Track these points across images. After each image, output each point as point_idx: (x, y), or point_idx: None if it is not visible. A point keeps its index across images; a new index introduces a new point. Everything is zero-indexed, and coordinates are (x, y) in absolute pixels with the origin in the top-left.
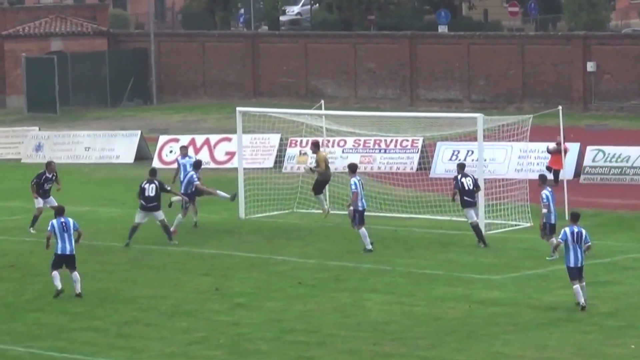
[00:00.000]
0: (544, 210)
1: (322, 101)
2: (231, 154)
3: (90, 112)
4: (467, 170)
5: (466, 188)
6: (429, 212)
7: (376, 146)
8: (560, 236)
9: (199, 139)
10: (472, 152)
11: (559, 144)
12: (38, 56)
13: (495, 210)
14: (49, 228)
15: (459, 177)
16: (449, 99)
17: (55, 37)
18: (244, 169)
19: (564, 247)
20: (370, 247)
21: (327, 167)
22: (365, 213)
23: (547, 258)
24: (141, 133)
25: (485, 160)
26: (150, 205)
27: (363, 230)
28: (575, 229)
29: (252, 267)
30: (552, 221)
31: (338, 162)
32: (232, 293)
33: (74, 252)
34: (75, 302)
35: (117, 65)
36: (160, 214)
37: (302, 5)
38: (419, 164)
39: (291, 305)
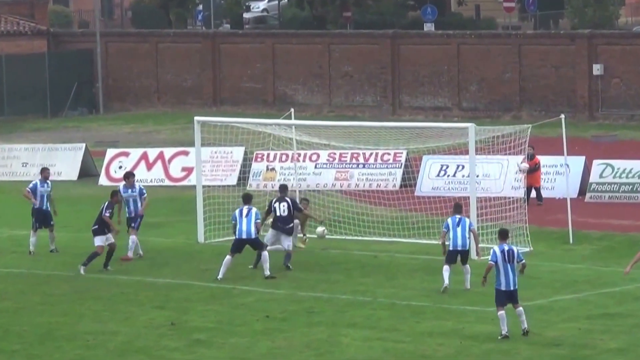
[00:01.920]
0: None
1: (292, 109)
2: (188, 170)
3: (28, 122)
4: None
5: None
6: (413, 235)
7: (353, 160)
8: (490, 257)
9: (152, 152)
10: (463, 167)
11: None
12: None
13: (489, 233)
14: None
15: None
16: (437, 106)
17: None
18: (203, 186)
19: (495, 269)
20: (269, 273)
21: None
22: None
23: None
24: (86, 146)
25: (477, 176)
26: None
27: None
28: (506, 247)
29: (213, 298)
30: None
31: (310, 179)
32: (191, 328)
33: None
34: (12, 338)
35: (59, 69)
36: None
37: (269, 1)
38: (403, 180)
39: (257, 342)
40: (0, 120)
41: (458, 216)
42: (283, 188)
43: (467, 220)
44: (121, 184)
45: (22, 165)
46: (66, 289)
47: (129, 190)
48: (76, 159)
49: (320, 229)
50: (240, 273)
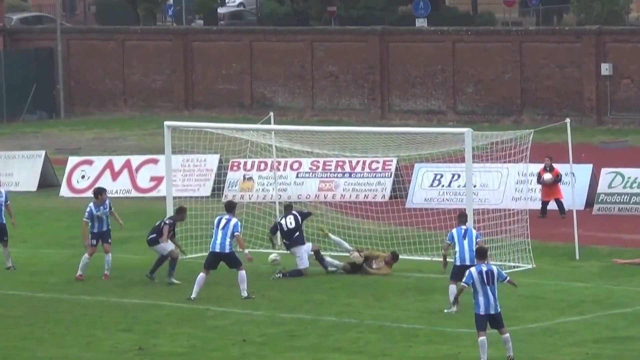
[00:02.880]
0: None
1: (272, 113)
2: (158, 180)
3: None
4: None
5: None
6: (405, 250)
7: (339, 169)
8: (464, 279)
9: (118, 161)
10: (459, 176)
11: (548, 169)
12: None
13: (488, 248)
14: None
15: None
16: (430, 110)
17: None
18: (174, 197)
19: (472, 291)
20: (246, 294)
21: None
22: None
23: (444, 310)
24: (46, 154)
25: (474, 186)
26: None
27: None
28: (484, 268)
29: (185, 320)
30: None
31: (291, 190)
32: (160, 353)
33: None
34: None
35: (15, 70)
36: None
37: None
38: (393, 190)
39: None
40: None
41: (464, 227)
42: (288, 207)
43: (474, 231)
44: (91, 203)
45: None
46: (23, 311)
47: (101, 208)
48: (35, 168)
49: (273, 256)
50: (215, 292)
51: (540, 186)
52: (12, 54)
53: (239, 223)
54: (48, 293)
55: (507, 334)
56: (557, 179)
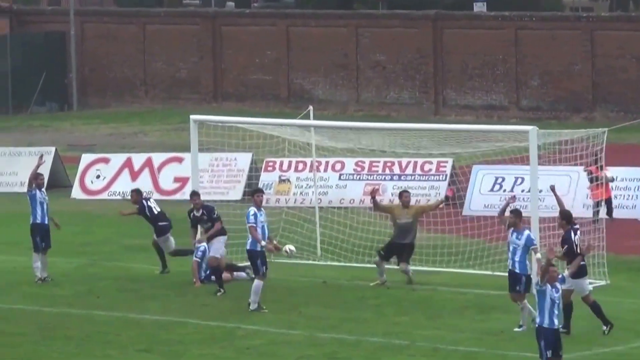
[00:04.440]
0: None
1: (311, 107)
2: (182, 181)
3: None
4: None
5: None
6: (461, 264)
7: (387, 171)
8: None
9: (137, 159)
10: (522, 180)
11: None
12: None
13: (556, 261)
14: None
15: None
16: (490, 105)
17: None
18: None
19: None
20: (256, 307)
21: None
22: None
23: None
24: (56, 150)
25: (540, 191)
26: None
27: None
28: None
29: (212, 340)
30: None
31: (333, 193)
32: None
33: None
34: None
35: (23, 56)
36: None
37: None
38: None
39: None
40: None
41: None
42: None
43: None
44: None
45: None
46: (29, 327)
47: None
48: (43, 166)
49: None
50: (245, 308)
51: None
52: (20, 38)
53: (251, 211)
54: (57, 307)
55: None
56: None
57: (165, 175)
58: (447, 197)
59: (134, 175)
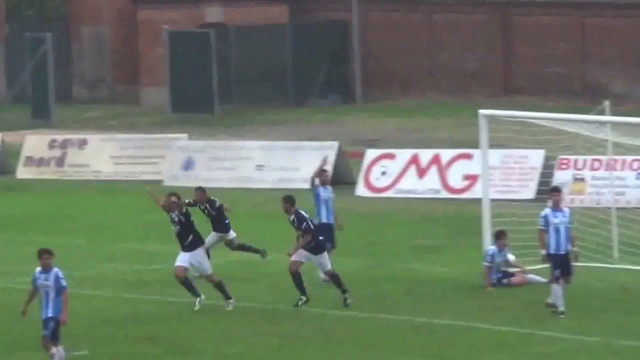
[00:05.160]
0: None
1: (607, 102)
2: (472, 179)
3: (263, 113)
4: None
5: None
6: None
7: None
8: None
9: (425, 155)
10: None
11: None
12: (187, 30)
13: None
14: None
15: None
16: None
17: (211, 3)
18: (491, 200)
19: None
20: (561, 308)
21: None
22: None
23: None
24: (339, 145)
25: None
26: None
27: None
28: None
29: (505, 346)
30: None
31: (631, 193)
32: None
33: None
34: None
35: (304, 46)
36: None
37: None
38: None
39: None
40: (228, 110)
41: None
42: None
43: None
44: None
45: (256, 169)
46: (313, 329)
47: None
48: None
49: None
50: (540, 312)
51: None
52: (301, 27)
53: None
54: (341, 310)
55: None
56: None
57: (453, 172)
58: None
59: (421, 172)
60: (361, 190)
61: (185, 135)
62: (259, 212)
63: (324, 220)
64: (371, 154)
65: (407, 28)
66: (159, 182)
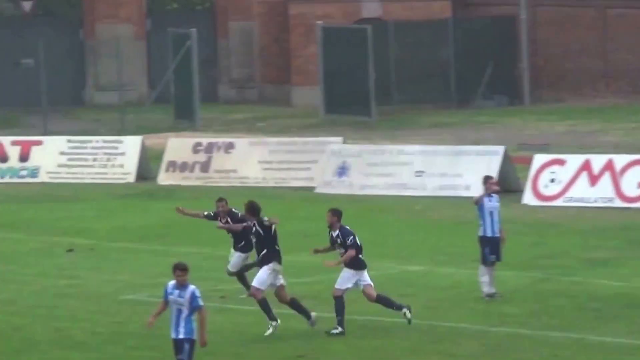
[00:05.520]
0: None
1: None
2: None
3: (423, 115)
4: None
5: None
6: None
7: None
8: None
9: (597, 160)
10: None
11: None
12: (342, 26)
13: None
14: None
15: None
16: None
17: None
18: None
19: None
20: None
21: None
22: None
23: None
24: (505, 150)
25: None
26: None
27: None
28: None
29: None
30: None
31: None
32: None
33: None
34: None
35: (468, 43)
36: None
37: None
38: None
39: None
40: (386, 111)
41: None
42: None
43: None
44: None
45: (415, 175)
46: (476, 348)
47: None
48: (490, 166)
49: None
50: None
51: None
52: (465, 23)
53: None
54: (506, 327)
55: None
56: None
57: (628, 179)
58: None
59: (593, 180)
60: (528, 198)
61: (339, 138)
62: (418, 221)
63: (489, 234)
64: (539, 159)
65: (579, 24)
66: (310, 189)
